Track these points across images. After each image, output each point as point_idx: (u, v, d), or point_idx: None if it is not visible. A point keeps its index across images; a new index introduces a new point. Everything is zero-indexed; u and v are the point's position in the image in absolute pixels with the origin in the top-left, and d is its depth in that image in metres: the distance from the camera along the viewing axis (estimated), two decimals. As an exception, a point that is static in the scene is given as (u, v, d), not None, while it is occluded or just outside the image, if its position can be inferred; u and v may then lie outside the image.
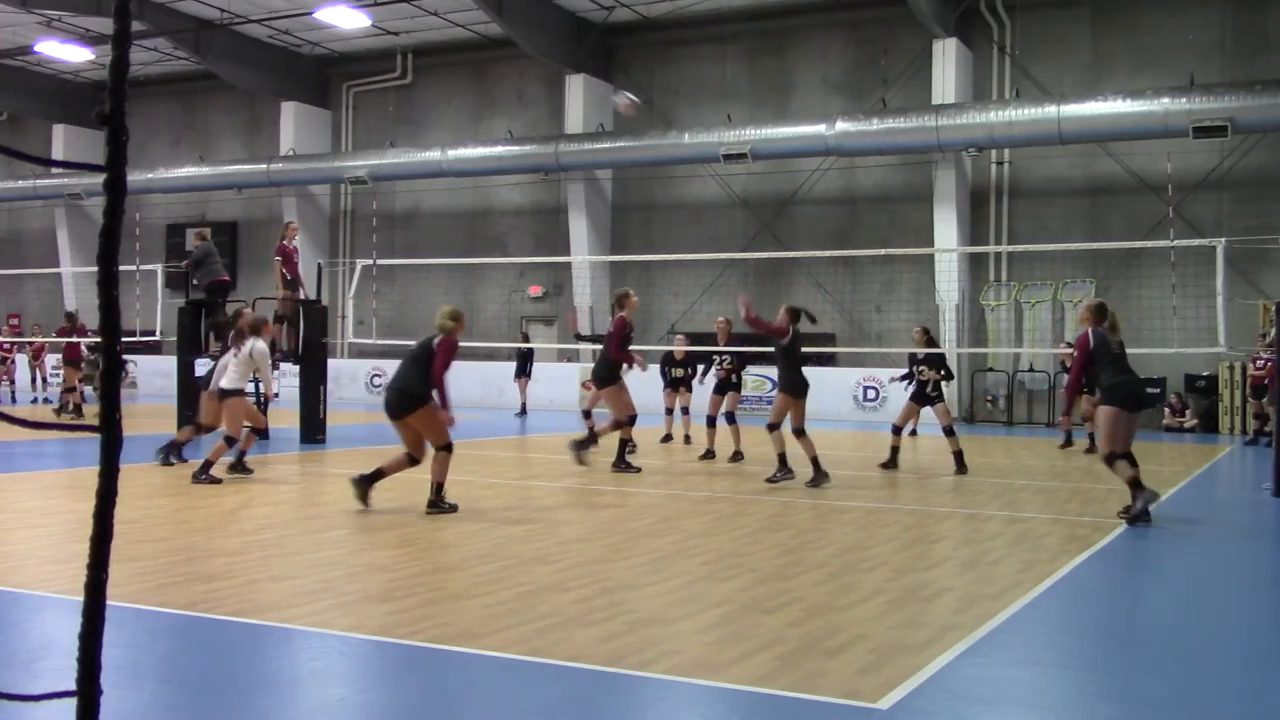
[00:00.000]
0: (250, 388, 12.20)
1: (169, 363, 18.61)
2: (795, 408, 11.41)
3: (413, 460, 9.06)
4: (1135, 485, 9.02)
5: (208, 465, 10.72)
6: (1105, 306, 9.75)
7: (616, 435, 12.47)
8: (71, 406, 20.64)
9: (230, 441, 11.13)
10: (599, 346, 13.41)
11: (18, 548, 7.22)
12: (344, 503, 9.77)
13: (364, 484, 9.00)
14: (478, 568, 6.70)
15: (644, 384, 14.96)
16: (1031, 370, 22.91)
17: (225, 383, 11.17)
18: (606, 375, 12.42)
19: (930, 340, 13.71)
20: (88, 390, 21.32)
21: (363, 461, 12.01)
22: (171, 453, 11.93)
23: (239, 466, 11.34)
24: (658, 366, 15.94)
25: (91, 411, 20.39)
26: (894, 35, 23.88)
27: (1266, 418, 17.48)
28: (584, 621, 5.30)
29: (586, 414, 13.03)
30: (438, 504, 8.95)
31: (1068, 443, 16.56)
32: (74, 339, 20.92)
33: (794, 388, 11.47)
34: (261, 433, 12.30)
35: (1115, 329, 9.52)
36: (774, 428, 11.48)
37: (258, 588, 6.07)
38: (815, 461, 11.29)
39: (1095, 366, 9.33)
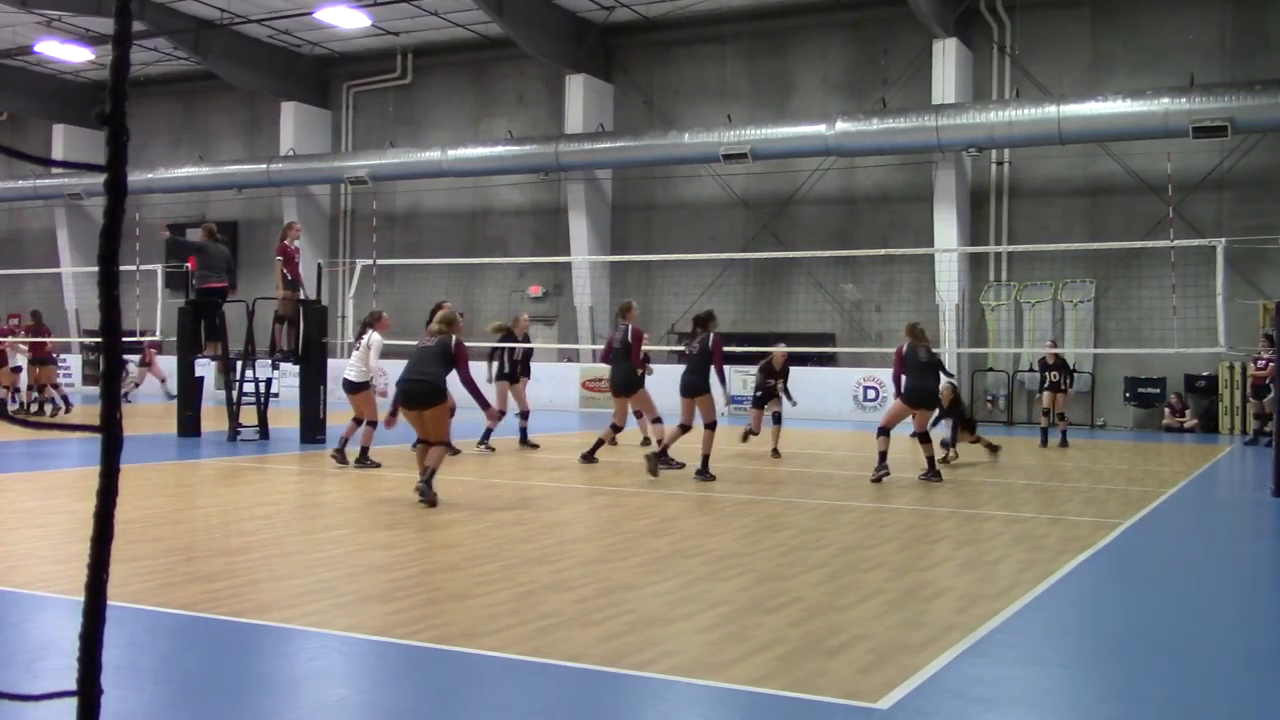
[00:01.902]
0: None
1: (169, 363, 18.62)
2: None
3: (429, 444, 9.47)
4: (883, 457, 11.81)
5: (364, 450, 12.13)
6: (917, 326, 12.52)
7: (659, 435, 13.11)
8: (38, 406, 20.48)
9: (370, 424, 12.28)
10: (599, 347, 13.70)
11: (18, 548, 7.22)
12: (344, 502, 9.79)
13: (428, 489, 9.25)
14: (478, 568, 6.70)
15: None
16: (1031, 370, 22.89)
17: (353, 375, 12.26)
18: (635, 381, 13.27)
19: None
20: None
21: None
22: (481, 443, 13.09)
23: (361, 459, 12.19)
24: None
25: (89, 412, 20.36)
26: (894, 35, 23.88)
27: (1267, 418, 17.49)
28: (584, 621, 5.30)
29: (618, 428, 13.32)
30: (426, 489, 9.24)
31: (1044, 442, 17.09)
32: (41, 339, 20.76)
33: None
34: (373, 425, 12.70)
35: (922, 340, 12.26)
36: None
37: (258, 588, 6.07)
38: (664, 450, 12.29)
39: (905, 370, 12.05)
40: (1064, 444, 16.85)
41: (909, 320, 13.55)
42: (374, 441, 12.46)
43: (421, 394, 9.39)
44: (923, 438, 12.07)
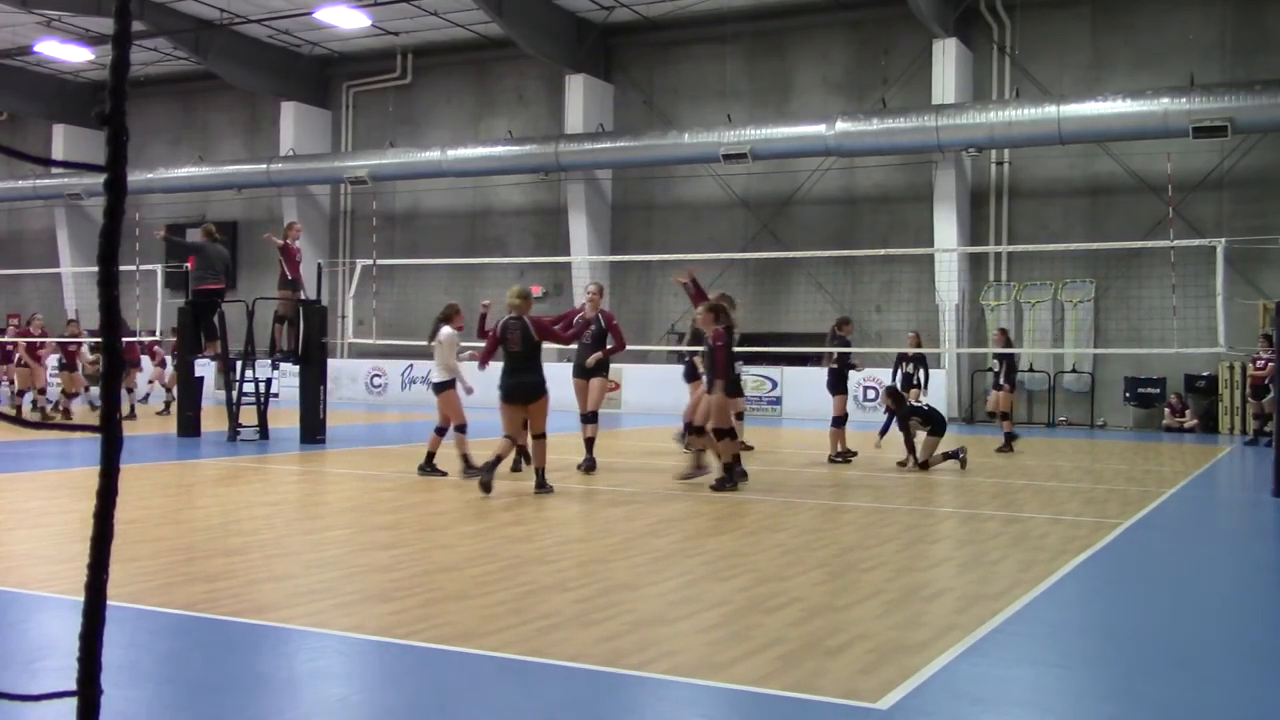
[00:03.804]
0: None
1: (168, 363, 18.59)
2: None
3: (514, 443, 10.05)
4: (736, 462, 10.83)
5: (430, 457, 11.46)
6: (513, 289, 10.57)
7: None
8: (63, 410, 20.50)
9: (442, 432, 11.60)
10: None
11: (18, 548, 7.22)
12: (344, 502, 9.78)
13: (544, 483, 9.95)
14: (478, 568, 6.69)
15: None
16: (1031, 370, 22.90)
17: (435, 375, 11.71)
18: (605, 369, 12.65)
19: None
20: (94, 390, 21.30)
21: (364, 461, 12.03)
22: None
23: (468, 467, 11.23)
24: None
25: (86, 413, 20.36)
26: (894, 35, 23.88)
27: (1267, 418, 17.48)
28: (584, 621, 5.30)
29: (592, 415, 13.09)
30: (542, 484, 10.06)
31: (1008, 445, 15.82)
32: (75, 340, 20.91)
33: None
34: (445, 431, 11.76)
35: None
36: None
37: (258, 588, 6.07)
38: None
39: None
40: (1006, 447, 15.59)
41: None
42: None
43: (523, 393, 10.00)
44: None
